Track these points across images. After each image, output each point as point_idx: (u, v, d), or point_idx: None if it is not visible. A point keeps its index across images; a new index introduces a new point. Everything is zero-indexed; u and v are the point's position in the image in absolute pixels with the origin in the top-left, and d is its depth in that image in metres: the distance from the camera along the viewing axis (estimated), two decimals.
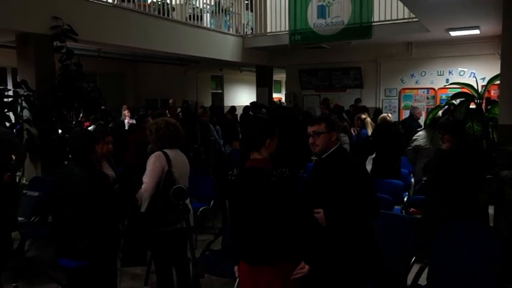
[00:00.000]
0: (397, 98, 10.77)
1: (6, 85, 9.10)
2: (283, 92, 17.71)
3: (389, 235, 3.31)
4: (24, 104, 5.87)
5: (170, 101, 9.02)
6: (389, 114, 6.65)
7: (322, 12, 9.41)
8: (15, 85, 6.02)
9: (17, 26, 5.75)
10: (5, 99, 5.81)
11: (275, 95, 14.44)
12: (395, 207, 4.57)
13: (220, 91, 15.42)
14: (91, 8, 6.72)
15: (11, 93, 5.98)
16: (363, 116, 7.58)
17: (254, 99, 12.77)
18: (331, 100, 11.09)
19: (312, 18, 9.52)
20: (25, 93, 5.86)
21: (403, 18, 8.67)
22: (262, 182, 2.42)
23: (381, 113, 8.86)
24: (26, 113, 5.93)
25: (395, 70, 10.67)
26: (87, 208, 2.61)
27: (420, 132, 5.56)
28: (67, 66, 6.10)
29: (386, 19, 8.86)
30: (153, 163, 3.11)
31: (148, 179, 3.09)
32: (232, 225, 2.58)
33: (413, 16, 8.07)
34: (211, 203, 5.37)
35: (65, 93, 6.03)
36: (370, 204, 2.57)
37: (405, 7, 7.86)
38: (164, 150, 3.20)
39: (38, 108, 5.89)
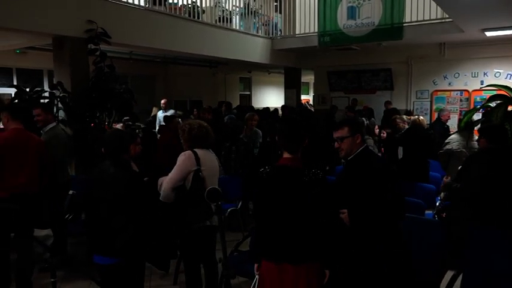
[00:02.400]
0: (428, 100, 10.52)
1: (43, 87, 9.44)
2: (311, 94, 17.63)
3: (421, 240, 3.24)
4: (59, 105, 6.05)
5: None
6: (421, 117, 6.48)
7: (352, 13, 9.30)
8: (52, 86, 6.23)
9: (54, 30, 5.95)
10: (42, 100, 6.01)
11: (303, 97, 14.38)
12: (427, 211, 4.45)
13: (249, 93, 15.48)
14: (124, 11, 6.88)
15: (47, 94, 6.21)
16: (405, 117, 7.39)
17: (282, 101, 12.78)
18: (360, 102, 10.99)
19: (342, 20, 9.42)
20: (61, 95, 6.04)
21: (436, 19, 8.46)
22: (294, 180, 2.43)
23: (411, 115, 8.71)
24: (61, 114, 6.11)
25: (427, 71, 10.43)
26: (122, 207, 2.66)
27: (453, 136, 5.41)
28: (101, 68, 6.26)
29: (419, 19, 8.66)
30: (183, 160, 3.27)
31: (173, 173, 3.25)
32: (257, 222, 2.58)
33: (447, 16, 7.87)
34: (239, 203, 5.39)
35: (98, 94, 6.19)
36: (394, 205, 2.56)
37: (438, 7, 7.69)
38: (194, 149, 3.32)
39: (72, 109, 6.07)
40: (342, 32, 9.43)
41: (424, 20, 8.61)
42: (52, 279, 2.59)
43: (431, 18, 8.51)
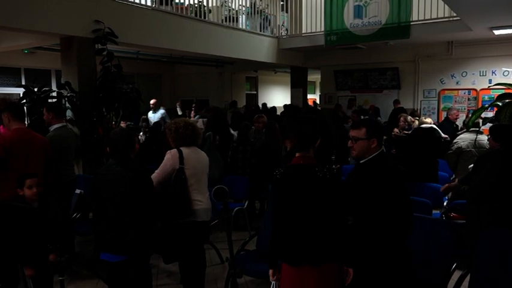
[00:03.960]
0: (436, 99, 10.45)
1: (51, 86, 9.50)
2: (318, 93, 17.59)
3: (428, 240, 3.22)
4: (67, 104, 6.09)
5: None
6: (428, 119, 6.45)
7: (358, 12, 9.27)
8: (59, 86, 6.27)
9: (62, 30, 5.98)
10: (50, 100, 6.05)
11: (309, 96, 14.35)
12: (434, 211, 4.43)
13: (255, 92, 15.48)
14: (130, 11, 6.91)
15: (55, 94, 6.25)
16: (410, 118, 7.38)
17: (288, 100, 12.76)
18: (366, 101, 10.95)
19: (348, 19, 9.39)
20: (68, 94, 6.08)
21: (444, 17, 8.41)
22: (309, 178, 2.38)
23: (416, 115, 8.68)
24: (68, 113, 6.15)
25: (434, 70, 10.36)
26: (129, 206, 2.68)
27: (462, 135, 5.36)
28: (108, 68, 6.29)
29: (426, 18, 8.62)
30: (167, 159, 3.37)
31: (158, 171, 3.34)
32: (275, 225, 2.49)
33: (455, 15, 7.82)
34: (246, 203, 5.40)
35: (106, 94, 6.22)
36: (403, 221, 2.49)
37: (446, 6, 7.63)
38: (180, 148, 3.41)
39: (80, 109, 6.11)
40: (349, 31, 9.40)
41: (431, 19, 8.57)
42: (60, 278, 2.61)
43: (439, 16, 8.47)
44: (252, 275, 3.61)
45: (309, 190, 2.38)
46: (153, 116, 9.09)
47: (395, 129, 7.29)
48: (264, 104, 12.05)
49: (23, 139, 3.83)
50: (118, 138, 2.93)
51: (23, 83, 9.85)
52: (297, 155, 2.48)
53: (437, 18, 8.49)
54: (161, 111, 9.21)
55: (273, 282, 2.52)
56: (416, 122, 7.30)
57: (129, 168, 2.82)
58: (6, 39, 7.33)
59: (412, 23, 8.69)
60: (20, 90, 7.83)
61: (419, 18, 8.70)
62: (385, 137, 7.29)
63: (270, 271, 2.53)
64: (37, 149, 3.91)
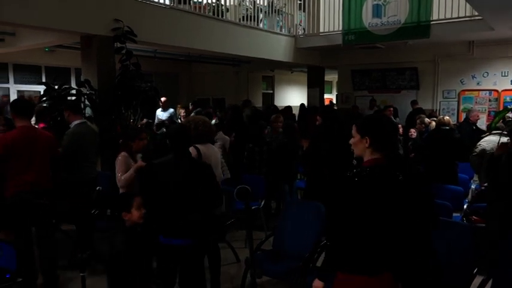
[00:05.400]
0: (456, 100, 10.27)
1: (70, 84, 9.66)
2: (334, 92, 17.47)
3: (449, 244, 3.17)
4: (86, 102, 6.17)
5: None
6: (446, 117, 6.34)
7: (377, 11, 9.16)
8: (79, 84, 6.35)
9: (83, 28, 6.07)
10: (69, 98, 6.13)
11: (326, 96, 14.26)
12: (454, 214, 4.35)
13: (271, 91, 15.45)
14: (149, 10, 6.96)
15: (74, 91, 6.33)
16: (427, 120, 7.28)
17: (305, 100, 12.71)
18: (384, 102, 10.82)
19: (367, 18, 9.29)
20: (88, 92, 6.16)
21: (465, 16, 8.26)
22: (391, 181, 2.18)
23: (434, 115, 8.54)
24: (88, 111, 6.22)
25: (454, 71, 10.18)
26: (190, 194, 2.89)
27: (487, 137, 5.25)
28: (126, 66, 6.35)
29: (447, 17, 8.47)
30: None
31: None
32: (341, 232, 2.23)
33: (476, 14, 7.68)
34: (262, 202, 5.39)
35: (124, 92, 6.28)
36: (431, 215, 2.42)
37: (467, 4, 7.51)
38: (197, 145, 3.53)
39: (99, 107, 6.17)
40: (367, 30, 9.30)
41: (452, 18, 8.42)
42: (81, 274, 2.65)
43: (460, 16, 8.32)
44: (268, 275, 3.60)
45: (391, 194, 2.16)
46: (161, 114, 9.13)
47: (412, 130, 7.20)
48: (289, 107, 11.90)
49: (26, 137, 3.80)
50: (176, 133, 3.07)
51: (44, 80, 10.03)
52: (372, 155, 2.23)
53: (458, 18, 8.34)
54: (170, 110, 9.25)
55: None
56: (433, 124, 7.19)
57: (188, 160, 3.01)
58: (29, 38, 7.46)
59: (432, 22, 8.55)
60: (41, 88, 7.97)
61: (440, 18, 8.56)
62: (401, 137, 7.23)
63: (319, 283, 2.31)
64: (41, 147, 3.87)
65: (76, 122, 4.62)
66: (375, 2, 9.17)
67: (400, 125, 7.74)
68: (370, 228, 2.15)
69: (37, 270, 3.93)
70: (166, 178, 2.93)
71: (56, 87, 6.11)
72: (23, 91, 10.29)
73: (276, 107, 11.40)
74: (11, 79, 10.23)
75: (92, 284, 2.81)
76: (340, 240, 2.22)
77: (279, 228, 4.06)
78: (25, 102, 4.41)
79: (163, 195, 2.91)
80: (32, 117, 4.25)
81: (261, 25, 9.78)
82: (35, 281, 3.87)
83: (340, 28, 9.75)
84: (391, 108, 9.47)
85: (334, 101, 15.95)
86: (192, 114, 8.84)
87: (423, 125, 6.99)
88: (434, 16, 8.58)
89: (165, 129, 7.28)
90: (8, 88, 10.19)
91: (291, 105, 11.69)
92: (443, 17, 8.52)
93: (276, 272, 3.50)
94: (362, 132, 2.26)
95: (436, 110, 10.23)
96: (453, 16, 8.39)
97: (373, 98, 10.95)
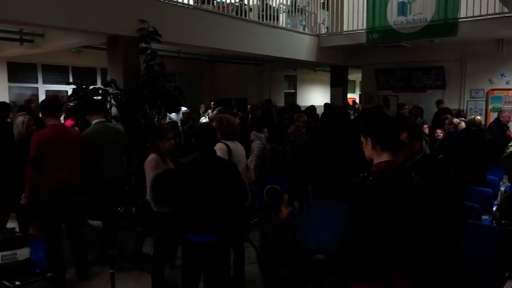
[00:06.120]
0: (484, 99, 10.02)
1: (96, 84, 9.85)
2: (357, 92, 17.28)
3: (478, 247, 3.09)
4: (112, 101, 6.27)
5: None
6: (478, 117, 6.19)
7: (403, 9, 9.01)
8: (105, 84, 6.47)
9: (109, 29, 6.18)
10: (95, 97, 6.24)
11: (349, 96, 14.12)
12: (484, 217, 4.24)
13: (293, 91, 15.40)
14: (173, 10, 7.04)
15: (100, 91, 6.45)
16: (456, 120, 7.12)
17: (328, 99, 12.62)
18: (409, 101, 10.63)
19: (392, 16, 9.15)
20: (113, 92, 6.26)
21: (494, 14, 8.04)
22: (406, 185, 2.10)
23: (462, 115, 8.35)
24: (113, 110, 6.33)
25: (482, 70, 9.93)
26: (217, 191, 2.93)
27: None
28: (151, 66, 6.43)
29: (475, 15, 8.26)
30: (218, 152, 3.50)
31: None
32: (354, 242, 2.15)
33: (506, 11, 7.47)
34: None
35: (149, 91, 6.36)
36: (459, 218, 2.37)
37: (496, 1, 7.30)
38: (226, 142, 3.66)
39: (124, 106, 6.27)
40: (392, 28, 9.16)
41: (480, 15, 8.21)
42: (111, 270, 2.69)
43: (488, 13, 8.09)
44: None
45: (406, 200, 2.07)
46: (174, 115, 9.20)
47: (438, 131, 7.05)
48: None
49: (57, 135, 3.91)
50: (202, 132, 3.11)
51: (71, 80, 10.26)
52: (381, 158, 2.15)
53: (486, 15, 8.12)
54: (183, 109, 9.30)
55: None
56: (463, 124, 7.01)
57: (213, 159, 3.05)
58: (57, 39, 7.64)
59: (459, 20, 8.36)
60: (68, 88, 8.17)
61: (468, 15, 8.36)
62: (427, 138, 7.08)
63: None
64: (70, 145, 3.97)
65: (95, 121, 4.66)
66: (401, 0, 9.02)
67: (426, 125, 7.58)
68: (379, 235, 2.07)
69: (65, 265, 4.03)
70: (192, 177, 2.96)
71: (83, 87, 6.24)
72: (51, 91, 10.57)
73: (298, 106, 11.37)
74: (40, 79, 10.52)
75: (117, 280, 2.84)
76: (351, 248, 2.15)
77: (303, 228, 4.04)
78: (54, 101, 4.54)
79: (190, 193, 2.94)
80: (61, 116, 4.35)
81: (283, 24, 9.76)
82: (64, 276, 3.97)
83: (364, 27, 9.62)
84: (406, 107, 9.34)
85: (358, 101, 15.79)
86: (214, 112, 8.97)
87: (452, 126, 6.83)
88: (462, 13, 8.39)
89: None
90: (37, 88, 10.48)
91: (313, 104, 11.62)
92: (471, 15, 8.32)
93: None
94: (364, 133, 2.22)
95: (464, 109, 9.99)
96: (482, 13, 8.18)
97: (386, 97, 10.80)
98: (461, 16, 8.37)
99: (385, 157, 2.13)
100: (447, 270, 2.34)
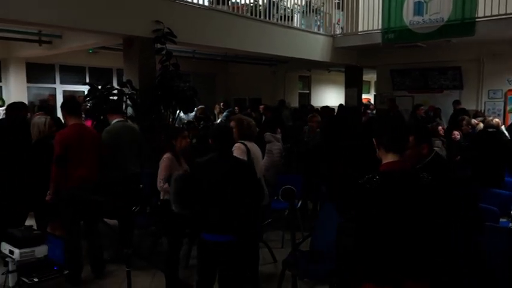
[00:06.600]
0: (502, 100, 9.84)
1: (112, 84, 9.95)
2: (372, 93, 17.14)
3: (496, 250, 3.04)
4: (128, 101, 6.34)
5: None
6: (495, 119, 6.08)
7: (419, 9, 8.90)
8: (121, 84, 6.54)
9: (125, 30, 6.26)
10: (111, 97, 6.32)
11: (363, 96, 14.02)
12: (502, 219, 4.16)
13: (308, 91, 15.35)
14: (188, 11, 7.08)
15: (116, 91, 6.52)
16: (474, 121, 7.00)
17: (342, 100, 12.54)
18: (426, 102, 10.51)
19: (408, 16, 9.04)
20: (129, 92, 6.33)
21: None
22: (415, 186, 2.10)
23: (479, 116, 8.20)
24: (129, 110, 6.40)
25: (501, 70, 9.76)
26: (234, 191, 2.94)
27: None
28: (166, 66, 6.48)
29: (493, 14, 8.11)
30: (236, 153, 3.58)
31: None
32: (364, 243, 2.16)
33: None
34: (299, 203, 5.36)
35: (164, 92, 6.41)
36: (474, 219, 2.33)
37: None
38: (244, 142, 3.71)
39: (140, 107, 6.33)
40: (408, 28, 9.05)
41: (499, 15, 8.05)
42: (127, 269, 2.72)
43: (507, 12, 7.93)
44: (306, 276, 3.58)
45: (416, 200, 2.08)
46: (185, 116, 9.22)
47: (455, 132, 6.94)
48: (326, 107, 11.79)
49: (78, 134, 4.00)
50: (220, 133, 3.12)
51: (87, 80, 10.40)
52: (388, 159, 2.17)
53: (505, 14, 7.96)
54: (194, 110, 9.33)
55: None
56: (481, 125, 6.89)
57: (230, 159, 3.07)
58: (74, 40, 7.77)
59: (477, 20, 8.22)
60: (85, 88, 8.28)
61: (486, 14, 8.21)
62: (443, 140, 6.98)
63: None
64: (89, 144, 4.06)
65: (115, 120, 4.76)
66: (417, 0, 8.91)
67: (440, 127, 7.47)
68: (386, 236, 2.09)
69: (83, 263, 4.09)
70: (211, 177, 2.97)
71: (99, 87, 6.32)
72: (68, 91, 10.73)
73: (312, 106, 11.34)
74: (57, 79, 10.69)
75: (132, 278, 2.87)
76: (362, 249, 2.16)
77: (317, 229, 4.02)
78: (75, 101, 4.62)
79: (210, 192, 2.96)
80: (81, 116, 4.42)
81: (298, 24, 9.74)
82: (80, 273, 4.03)
83: (379, 27, 9.54)
84: (422, 107, 9.21)
85: (372, 101, 15.65)
86: (225, 113, 9.00)
87: (470, 127, 6.72)
88: (480, 13, 8.25)
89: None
90: (55, 88, 10.65)
91: (328, 105, 11.55)
92: (489, 14, 8.17)
93: (314, 273, 3.47)
94: (373, 134, 2.26)
95: (481, 110, 9.82)
96: (500, 12, 8.02)
97: (393, 98, 10.68)
98: (479, 15, 8.24)
99: (390, 158, 2.17)
100: (449, 269, 2.32)
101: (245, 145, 3.72)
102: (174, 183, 3.26)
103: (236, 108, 10.92)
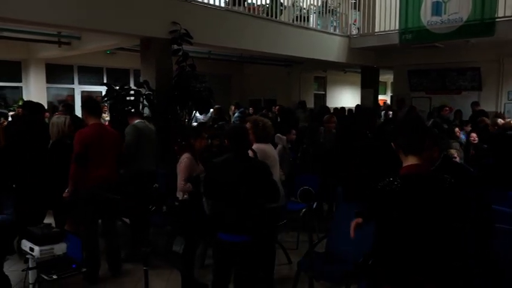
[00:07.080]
0: None
1: (129, 85, 10.08)
2: (388, 94, 16.96)
3: (510, 252, 2.98)
4: (145, 102, 6.40)
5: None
6: None
7: (437, 9, 8.78)
8: (138, 84, 6.61)
9: (142, 31, 6.33)
10: (128, 98, 6.39)
11: (380, 97, 13.87)
12: None
13: (323, 92, 15.27)
14: (204, 12, 7.12)
15: (133, 92, 6.59)
16: (500, 121, 6.85)
17: (358, 101, 12.45)
18: (444, 103, 10.33)
19: (426, 16, 8.93)
20: (146, 93, 6.39)
21: None
22: (437, 190, 2.07)
23: (500, 117, 8.02)
24: (145, 111, 6.45)
25: None
26: (249, 191, 2.94)
27: None
28: (183, 67, 6.52)
29: None
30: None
31: None
32: (384, 246, 2.15)
33: None
34: (315, 204, 5.33)
35: (180, 92, 6.45)
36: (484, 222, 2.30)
37: None
38: (260, 144, 3.63)
39: (156, 107, 6.39)
40: (426, 29, 8.94)
41: None
42: (144, 268, 2.75)
43: None
44: (322, 278, 3.56)
45: (438, 204, 2.06)
46: (201, 116, 9.26)
47: (473, 134, 6.81)
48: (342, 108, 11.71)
49: (98, 134, 4.06)
50: (236, 134, 3.12)
51: (105, 81, 10.54)
52: (408, 161, 2.15)
53: None
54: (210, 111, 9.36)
55: None
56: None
57: (246, 160, 3.05)
58: (93, 41, 7.89)
59: (497, 20, 8.07)
60: (102, 88, 8.40)
61: (506, 14, 8.06)
62: (460, 141, 6.86)
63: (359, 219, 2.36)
64: (109, 143, 4.13)
65: (136, 121, 4.84)
66: (435, 0, 8.79)
67: (457, 129, 7.34)
68: (409, 239, 2.07)
69: (100, 261, 4.14)
70: (224, 177, 2.99)
71: (117, 87, 6.40)
72: (86, 91, 10.90)
73: (327, 107, 11.27)
74: (76, 80, 10.87)
75: (149, 277, 2.89)
76: (382, 252, 2.16)
77: (333, 230, 4.00)
78: (96, 101, 4.70)
79: (222, 193, 2.98)
80: (101, 115, 4.48)
81: (314, 25, 9.71)
82: (98, 271, 4.08)
83: (397, 27, 9.44)
84: (447, 108, 9.05)
85: (389, 102, 15.48)
86: (236, 114, 9.01)
87: (496, 127, 6.59)
88: (500, 13, 8.10)
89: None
90: (73, 89, 10.83)
91: (343, 106, 11.50)
92: (509, 14, 8.02)
93: (330, 275, 3.45)
94: (391, 137, 2.24)
95: (501, 112, 9.63)
96: None
97: (402, 98, 10.53)
98: (499, 15, 8.08)
99: (410, 160, 2.15)
100: (465, 273, 2.28)
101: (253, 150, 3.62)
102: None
103: (251, 109, 10.93)
